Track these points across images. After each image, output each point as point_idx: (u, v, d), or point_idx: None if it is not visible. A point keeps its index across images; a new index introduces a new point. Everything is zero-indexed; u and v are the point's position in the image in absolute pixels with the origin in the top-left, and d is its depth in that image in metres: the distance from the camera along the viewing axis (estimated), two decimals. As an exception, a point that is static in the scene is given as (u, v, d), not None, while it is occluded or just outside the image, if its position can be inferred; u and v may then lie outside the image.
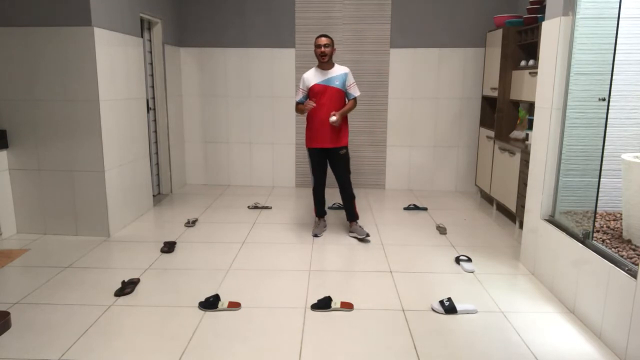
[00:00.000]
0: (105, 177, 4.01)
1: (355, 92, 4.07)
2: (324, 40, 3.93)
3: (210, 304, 2.85)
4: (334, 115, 3.85)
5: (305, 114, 4.07)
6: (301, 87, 4.07)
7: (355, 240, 4.08)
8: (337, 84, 3.96)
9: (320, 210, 4.30)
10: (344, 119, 4.02)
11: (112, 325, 2.68)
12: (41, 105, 3.94)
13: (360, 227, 4.16)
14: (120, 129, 4.25)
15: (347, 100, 4.07)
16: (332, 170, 4.16)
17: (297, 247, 3.92)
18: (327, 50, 3.92)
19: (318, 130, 4.00)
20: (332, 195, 5.01)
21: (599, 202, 2.90)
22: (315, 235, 4.15)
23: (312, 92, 3.99)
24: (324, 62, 3.95)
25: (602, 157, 2.79)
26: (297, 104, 4.11)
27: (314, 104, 3.92)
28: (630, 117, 3.27)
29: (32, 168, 4.05)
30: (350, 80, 4.04)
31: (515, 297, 3.08)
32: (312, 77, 4.01)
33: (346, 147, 4.09)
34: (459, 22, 5.61)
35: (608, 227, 3.08)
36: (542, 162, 3.28)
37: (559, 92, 3.12)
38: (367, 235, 4.07)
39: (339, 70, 4.01)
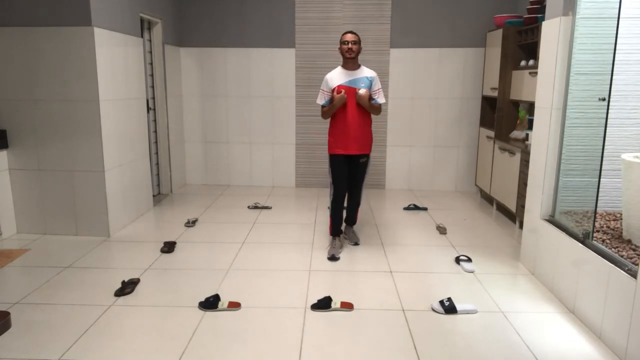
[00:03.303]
0: (105, 177, 4.01)
1: (381, 99, 3.76)
2: (350, 37, 3.64)
3: (210, 304, 2.85)
4: (362, 89, 3.60)
5: (329, 118, 3.80)
6: (324, 88, 3.74)
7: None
8: (362, 86, 3.66)
9: (337, 228, 3.89)
10: (368, 126, 3.77)
11: (112, 325, 2.68)
12: (41, 105, 3.94)
13: (354, 232, 4.10)
14: (120, 129, 4.25)
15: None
16: (348, 179, 3.87)
17: (297, 247, 3.91)
18: (355, 47, 3.63)
19: (343, 135, 3.70)
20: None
21: (599, 202, 2.90)
22: (333, 257, 3.66)
23: (336, 94, 3.68)
24: (350, 57, 3.64)
25: (602, 157, 2.79)
26: (322, 107, 3.78)
27: (345, 96, 3.60)
28: (630, 117, 3.27)
29: (32, 168, 4.05)
30: (377, 85, 3.75)
31: (515, 297, 3.08)
32: (336, 77, 3.70)
33: (368, 156, 3.85)
34: (459, 22, 5.61)
35: (608, 227, 3.08)
36: (542, 162, 3.28)
37: (559, 92, 3.12)
38: (357, 243, 3.98)
39: (365, 72, 3.72)
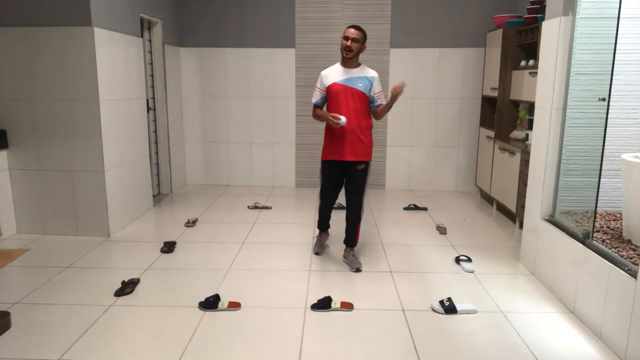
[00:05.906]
0: (105, 177, 4.01)
1: (383, 102, 3.45)
2: (352, 32, 3.30)
3: (210, 304, 2.85)
4: (401, 85, 3.21)
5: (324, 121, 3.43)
6: (318, 86, 3.45)
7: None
8: (359, 85, 3.34)
9: (324, 223, 3.81)
10: (367, 131, 3.41)
11: (112, 325, 2.67)
12: (41, 105, 3.94)
13: (354, 256, 3.55)
14: (120, 129, 4.25)
15: (371, 108, 3.47)
16: (346, 189, 3.53)
17: (297, 247, 3.91)
18: (354, 45, 3.30)
19: (337, 139, 3.35)
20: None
21: (599, 202, 2.90)
22: (317, 254, 3.72)
23: (330, 93, 3.38)
24: (347, 57, 3.34)
25: (602, 157, 2.79)
26: (315, 107, 3.48)
27: (344, 122, 3.23)
28: (630, 117, 3.27)
29: (32, 168, 4.05)
30: (378, 87, 3.42)
31: (515, 297, 3.08)
32: (332, 74, 3.39)
33: (367, 163, 3.44)
34: (459, 22, 5.61)
35: (608, 227, 3.08)
36: (542, 162, 3.28)
37: (559, 92, 3.12)
38: (358, 269, 3.43)
39: (364, 72, 3.40)
